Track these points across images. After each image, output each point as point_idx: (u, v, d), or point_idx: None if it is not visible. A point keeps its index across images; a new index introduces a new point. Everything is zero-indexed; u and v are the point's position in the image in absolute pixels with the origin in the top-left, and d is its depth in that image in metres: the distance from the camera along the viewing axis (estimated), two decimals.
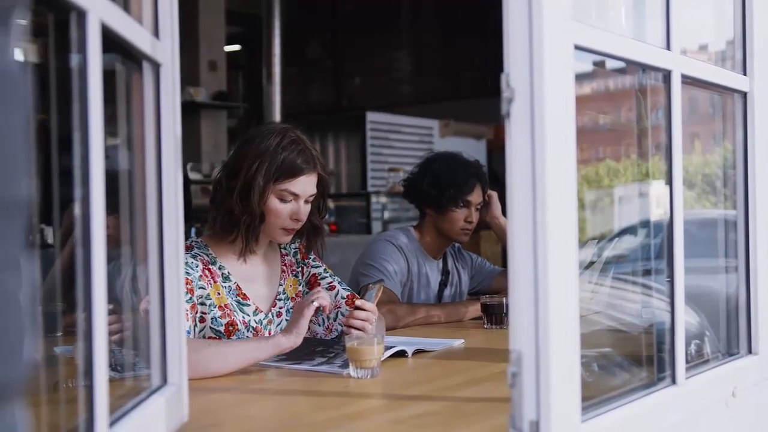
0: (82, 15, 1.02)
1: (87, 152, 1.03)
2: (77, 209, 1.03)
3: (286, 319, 2.37)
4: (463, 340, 2.46)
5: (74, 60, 1.05)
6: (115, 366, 1.37)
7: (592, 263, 2.31)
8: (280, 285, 2.42)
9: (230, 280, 2.29)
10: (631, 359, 1.78)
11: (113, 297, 1.13)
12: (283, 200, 2.25)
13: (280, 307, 2.40)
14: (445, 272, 3.23)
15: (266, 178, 2.21)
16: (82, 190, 1.03)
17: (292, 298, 2.43)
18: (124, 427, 1.15)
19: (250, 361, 2.00)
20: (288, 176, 2.23)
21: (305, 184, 2.27)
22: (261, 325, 2.32)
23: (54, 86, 1.11)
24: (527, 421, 1.20)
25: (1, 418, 0.62)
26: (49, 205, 1.09)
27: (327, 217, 2.62)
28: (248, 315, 2.29)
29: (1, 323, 0.61)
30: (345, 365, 1.98)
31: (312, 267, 2.49)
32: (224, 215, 2.26)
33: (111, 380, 1.09)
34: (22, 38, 0.66)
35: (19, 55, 0.64)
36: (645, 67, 1.61)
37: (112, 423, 1.12)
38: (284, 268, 2.45)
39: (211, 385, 1.89)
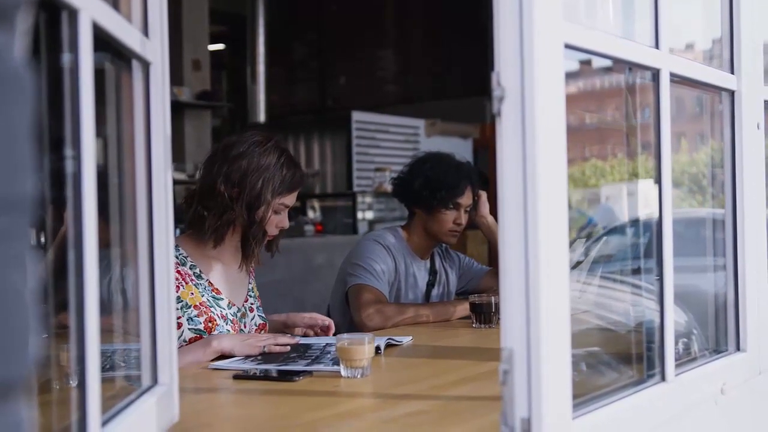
0: (73, 14, 1.02)
1: (79, 152, 1.03)
2: (69, 210, 1.02)
3: (259, 315, 2.51)
4: (411, 337, 2.47)
5: (65, 59, 1.04)
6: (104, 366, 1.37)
7: (579, 262, 2.32)
8: (249, 283, 2.54)
9: (203, 278, 2.37)
10: (620, 357, 1.79)
11: (100, 298, 1.13)
12: (276, 212, 2.38)
13: (251, 303, 2.51)
14: (432, 272, 3.23)
15: (272, 194, 2.34)
16: (74, 191, 1.03)
17: (258, 297, 2.56)
18: (116, 427, 1.15)
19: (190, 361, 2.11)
20: (288, 191, 2.39)
21: (295, 197, 2.45)
22: (236, 317, 2.41)
23: (43, 85, 1.10)
24: (519, 418, 1.21)
25: (7, 414, 0.62)
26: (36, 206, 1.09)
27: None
28: (224, 308, 2.37)
29: (8, 321, 0.61)
30: (336, 362, 1.98)
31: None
32: (225, 225, 2.34)
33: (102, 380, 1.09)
34: (26, 37, 0.66)
35: (22, 54, 0.64)
36: (634, 66, 1.62)
37: (104, 423, 1.11)
38: (251, 269, 2.56)
39: (201, 386, 1.89)
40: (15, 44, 0.62)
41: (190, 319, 2.28)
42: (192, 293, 2.31)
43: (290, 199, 2.40)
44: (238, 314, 2.42)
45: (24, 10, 0.64)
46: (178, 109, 7.61)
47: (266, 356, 2.15)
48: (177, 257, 2.32)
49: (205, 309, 2.31)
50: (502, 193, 1.22)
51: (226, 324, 2.34)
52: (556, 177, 1.24)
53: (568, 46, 1.29)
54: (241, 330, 2.40)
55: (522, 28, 1.20)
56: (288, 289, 5.52)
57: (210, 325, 2.30)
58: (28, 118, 0.63)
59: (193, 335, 2.27)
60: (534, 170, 1.19)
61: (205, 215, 2.33)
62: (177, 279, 2.27)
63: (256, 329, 2.46)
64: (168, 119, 1.44)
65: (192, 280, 2.33)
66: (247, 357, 2.14)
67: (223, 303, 2.38)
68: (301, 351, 2.22)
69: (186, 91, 7.76)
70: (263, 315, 2.54)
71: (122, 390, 1.39)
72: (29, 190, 0.64)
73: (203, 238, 2.36)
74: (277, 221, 2.39)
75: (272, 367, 2.02)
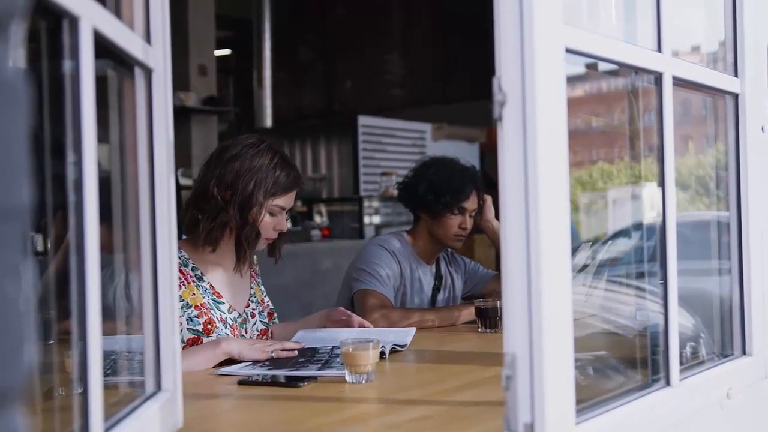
0: (74, 21, 1.02)
1: (80, 159, 1.03)
2: (71, 216, 1.03)
3: (260, 320, 2.51)
4: (414, 329, 2.49)
5: (66, 66, 1.05)
6: (107, 372, 1.37)
7: (585, 266, 2.31)
8: (251, 288, 2.53)
9: (204, 281, 2.37)
10: (625, 361, 1.78)
11: (106, 304, 1.13)
12: (272, 214, 2.38)
13: (253, 309, 2.51)
14: (438, 277, 3.22)
15: (265, 195, 2.34)
16: (76, 197, 1.03)
17: (261, 301, 2.55)
18: None
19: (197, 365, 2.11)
20: (282, 192, 2.37)
21: (292, 199, 2.43)
22: (236, 323, 2.41)
23: (45, 92, 1.11)
24: (522, 423, 1.20)
25: (3, 422, 0.62)
26: (38, 212, 1.09)
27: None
28: (224, 312, 2.38)
29: (2, 329, 0.62)
30: (343, 367, 1.97)
31: (260, 283, 2.63)
32: (219, 227, 2.34)
33: (105, 386, 1.09)
34: (21, 45, 0.66)
35: (18, 62, 0.64)
36: (637, 70, 1.62)
37: (107, 429, 1.12)
38: (252, 273, 2.56)
39: (205, 392, 1.89)
40: (10, 54, 0.63)
41: (189, 319, 2.28)
42: (193, 293, 2.32)
43: (285, 201, 2.39)
44: (239, 320, 2.42)
45: (18, 20, 0.64)
46: (184, 114, 7.63)
47: (275, 362, 2.15)
48: (179, 259, 2.33)
49: (205, 310, 2.31)
50: (503, 198, 1.22)
51: (225, 328, 2.34)
52: (557, 181, 1.24)
53: (569, 51, 1.29)
54: (242, 336, 2.40)
55: (523, 32, 1.20)
56: (295, 293, 5.53)
57: (209, 327, 2.30)
58: (24, 128, 0.63)
59: (192, 336, 2.27)
60: (535, 174, 1.19)
61: (199, 219, 2.33)
62: (179, 278, 2.28)
63: (257, 335, 2.46)
64: (170, 125, 1.44)
65: (193, 281, 2.34)
66: (255, 362, 2.14)
67: (224, 307, 2.38)
68: (309, 356, 2.22)
69: (192, 97, 7.77)
70: (266, 321, 2.53)
71: (126, 396, 1.39)
72: (25, 199, 0.64)
73: (206, 247, 2.37)
74: (274, 224, 2.39)
75: (282, 373, 2.02)
